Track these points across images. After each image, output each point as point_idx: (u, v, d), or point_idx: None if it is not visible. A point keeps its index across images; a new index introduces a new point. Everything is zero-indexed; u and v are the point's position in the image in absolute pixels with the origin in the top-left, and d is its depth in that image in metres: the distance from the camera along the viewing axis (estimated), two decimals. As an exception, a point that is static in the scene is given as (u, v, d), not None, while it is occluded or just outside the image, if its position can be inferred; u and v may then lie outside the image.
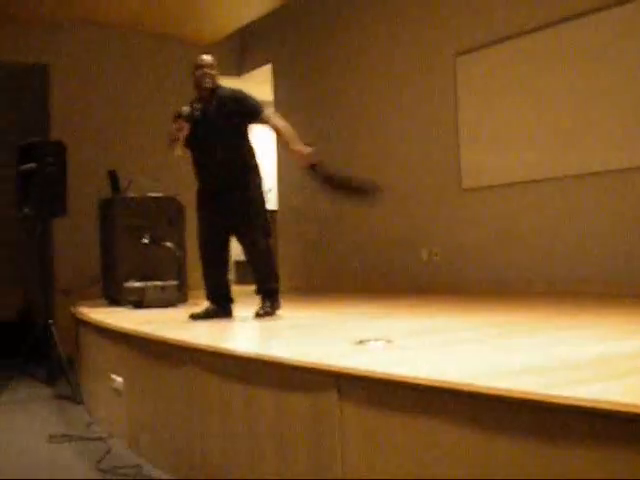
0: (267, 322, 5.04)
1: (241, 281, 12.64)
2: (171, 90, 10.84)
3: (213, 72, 5.43)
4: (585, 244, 6.45)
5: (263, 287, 5.45)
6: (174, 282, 6.86)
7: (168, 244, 7.06)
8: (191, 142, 5.33)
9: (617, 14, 6.28)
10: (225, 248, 5.56)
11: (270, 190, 11.97)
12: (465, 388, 2.20)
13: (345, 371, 2.63)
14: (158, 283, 6.75)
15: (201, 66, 5.43)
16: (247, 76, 11.65)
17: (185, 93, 10.88)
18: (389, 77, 8.71)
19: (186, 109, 5.29)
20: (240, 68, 11.70)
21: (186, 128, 5.23)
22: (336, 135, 9.38)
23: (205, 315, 5.34)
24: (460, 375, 2.36)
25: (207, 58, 5.47)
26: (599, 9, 6.38)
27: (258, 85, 11.67)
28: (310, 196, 9.86)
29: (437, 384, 2.29)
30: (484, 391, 2.14)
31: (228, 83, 12.04)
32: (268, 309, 5.30)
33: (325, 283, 9.27)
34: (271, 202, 12.07)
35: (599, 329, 3.79)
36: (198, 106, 5.34)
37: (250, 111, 5.33)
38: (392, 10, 8.68)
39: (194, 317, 5.31)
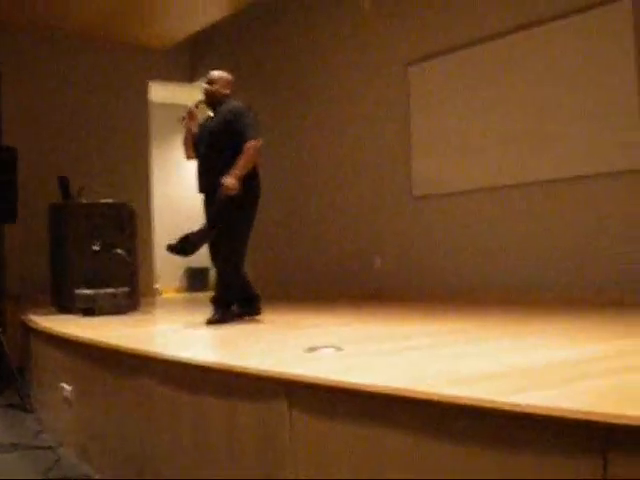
0: (218, 330, 5.03)
1: (191, 288, 12.61)
2: (124, 95, 10.81)
3: (214, 87, 5.78)
4: (536, 250, 6.54)
5: (214, 295, 5.60)
6: (125, 289, 6.81)
7: (119, 251, 7.02)
8: (196, 147, 5.75)
9: (567, 25, 6.38)
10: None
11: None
12: (414, 395, 2.22)
13: (295, 379, 2.64)
14: (109, 290, 6.70)
15: (207, 81, 5.84)
16: (199, 82, 11.61)
17: (138, 98, 10.94)
18: (341, 86, 8.75)
19: (191, 106, 5.82)
20: (192, 75, 11.69)
21: (193, 126, 5.76)
22: (287, 144, 9.41)
23: (231, 317, 5.50)
24: (409, 382, 2.38)
25: (212, 73, 5.88)
26: (551, 19, 6.48)
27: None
28: (262, 207, 9.86)
29: (386, 391, 2.30)
30: (433, 398, 2.16)
31: (179, 89, 12.05)
32: (217, 317, 5.38)
33: (277, 291, 9.26)
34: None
35: (548, 336, 3.84)
36: (208, 114, 5.77)
37: (239, 131, 5.49)
38: (344, 20, 8.73)
39: (217, 322, 5.36)
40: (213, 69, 11.33)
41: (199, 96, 6.00)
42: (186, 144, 5.86)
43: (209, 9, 9.79)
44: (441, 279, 7.20)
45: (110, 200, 7.58)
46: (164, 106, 12.28)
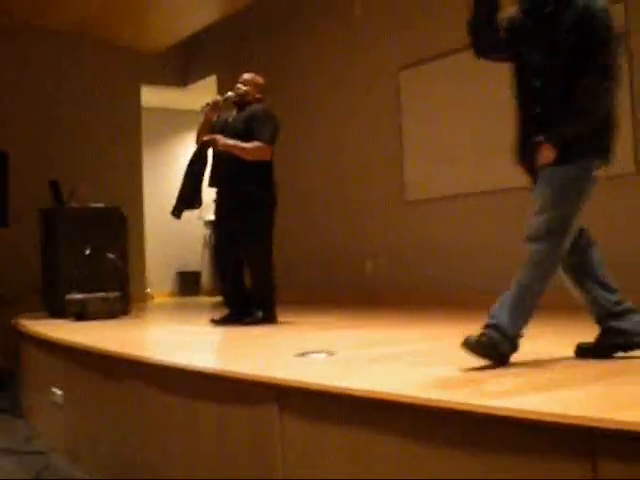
0: (209, 335, 5.03)
1: (183, 292, 12.59)
2: (116, 99, 10.79)
3: (245, 87, 5.80)
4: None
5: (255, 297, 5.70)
6: (116, 294, 6.80)
7: (110, 255, 7.00)
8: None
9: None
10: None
11: (214, 200, 11.96)
12: (402, 400, 2.23)
13: (286, 383, 2.64)
14: (100, 295, 6.69)
15: (241, 81, 5.86)
16: (192, 87, 11.64)
17: (130, 102, 10.93)
18: (333, 92, 8.77)
19: (219, 98, 5.83)
20: (185, 79, 11.68)
21: (214, 116, 5.81)
22: (279, 148, 9.39)
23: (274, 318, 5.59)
24: (399, 387, 2.38)
25: (245, 76, 5.89)
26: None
27: (202, 96, 11.66)
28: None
29: (375, 396, 2.31)
30: (420, 402, 2.17)
31: (172, 93, 12.01)
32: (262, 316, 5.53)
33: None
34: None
35: (538, 340, 3.85)
36: (232, 113, 5.81)
37: (256, 132, 5.56)
38: (337, 24, 8.75)
39: (262, 321, 5.48)
40: (205, 74, 11.35)
41: (208, 98, 6.06)
42: (201, 132, 5.86)
43: (201, 13, 9.79)
44: (433, 283, 7.20)
45: (101, 204, 7.56)
46: (156, 110, 12.27)
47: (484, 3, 3.01)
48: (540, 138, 2.94)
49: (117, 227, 7.37)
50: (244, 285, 5.78)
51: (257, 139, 5.53)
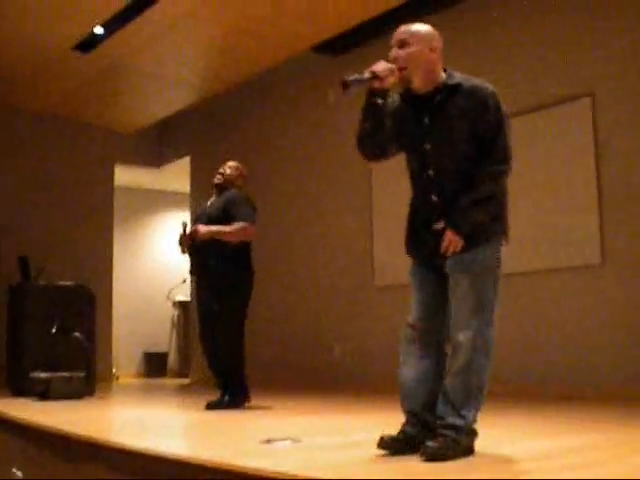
0: (175, 419, 4.97)
1: (150, 374, 12.44)
2: (90, 177, 10.82)
3: (227, 172, 5.89)
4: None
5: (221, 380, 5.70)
6: (81, 374, 6.71)
7: (77, 334, 6.93)
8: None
9: (535, 118, 6.55)
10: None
11: (184, 281, 11.95)
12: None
13: (250, 472, 2.60)
14: (65, 374, 6.59)
15: (226, 165, 5.95)
16: (166, 167, 11.71)
17: (104, 181, 10.96)
18: (304, 177, 8.86)
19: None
20: (159, 159, 11.76)
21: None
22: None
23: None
24: (362, 477, 2.36)
25: (231, 163, 5.97)
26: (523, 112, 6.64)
27: (176, 177, 11.76)
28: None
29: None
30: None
31: (146, 173, 12.10)
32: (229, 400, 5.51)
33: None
34: (184, 294, 12.02)
35: (494, 430, 3.84)
36: (211, 198, 5.92)
37: (234, 216, 5.65)
38: (311, 108, 8.88)
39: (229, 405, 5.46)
40: (179, 155, 11.44)
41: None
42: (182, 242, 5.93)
43: (176, 96, 9.90)
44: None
45: (70, 283, 7.52)
46: (130, 190, 12.32)
47: (367, 119, 3.04)
48: (441, 225, 2.95)
49: (85, 305, 7.32)
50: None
51: (238, 220, 5.62)
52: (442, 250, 2.95)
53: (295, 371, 8.57)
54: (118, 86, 9.54)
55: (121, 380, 11.27)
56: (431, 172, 3.05)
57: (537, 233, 6.45)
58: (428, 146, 3.04)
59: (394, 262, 7.54)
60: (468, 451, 2.87)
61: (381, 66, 3.00)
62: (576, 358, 6.13)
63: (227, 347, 5.60)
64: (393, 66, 3.00)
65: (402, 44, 3.06)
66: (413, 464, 2.75)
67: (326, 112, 8.65)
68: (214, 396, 5.57)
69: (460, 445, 2.83)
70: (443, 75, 3.07)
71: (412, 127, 3.10)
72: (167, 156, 11.65)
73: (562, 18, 6.58)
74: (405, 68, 3.02)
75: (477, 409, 2.91)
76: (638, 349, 5.79)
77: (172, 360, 12.49)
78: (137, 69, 8.94)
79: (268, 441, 3.33)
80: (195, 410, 5.34)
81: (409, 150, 3.15)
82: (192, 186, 11.00)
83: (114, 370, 10.98)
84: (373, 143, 3.10)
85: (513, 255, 6.42)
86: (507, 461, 2.86)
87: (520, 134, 6.64)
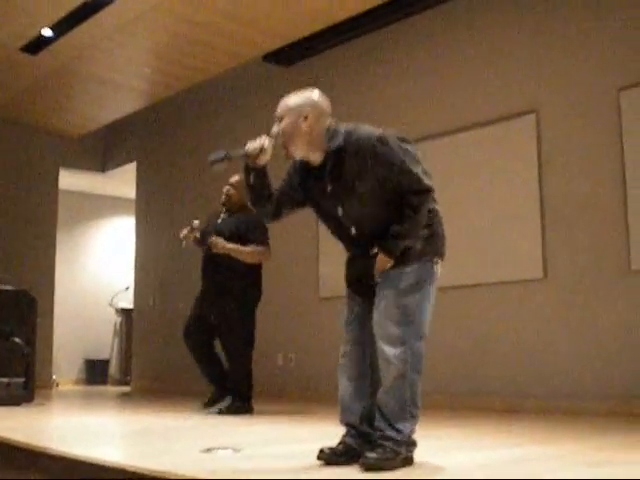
0: (116, 427, 4.92)
1: (90, 381, 12.29)
2: (33, 181, 10.70)
3: (236, 192, 6.03)
4: (438, 354, 6.61)
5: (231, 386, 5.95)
6: (20, 379, 6.61)
7: (16, 339, 6.82)
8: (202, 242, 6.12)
9: (482, 134, 6.63)
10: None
11: (127, 289, 11.85)
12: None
13: (189, 480, 2.59)
14: (3, 380, 6.49)
15: (230, 183, 6.13)
16: (111, 173, 11.61)
17: (48, 185, 10.81)
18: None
19: (195, 223, 6.22)
20: (104, 164, 11.66)
21: (195, 237, 6.18)
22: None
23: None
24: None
25: (236, 178, 6.00)
26: (469, 128, 6.72)
27: (122, 182, 11.67)
28: (164, 297, 9.83)
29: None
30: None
31: (91, 178, 11.96)
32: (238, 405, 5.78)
33: (177, 384, 9.13)
34: (127, 301, 11.92)
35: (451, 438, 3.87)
36: (222, 215, 6.15)
37: (251, 238, 5.88)
38: (258, 114, 8.89)
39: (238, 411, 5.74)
40: (125, 161, 11.35)
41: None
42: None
43: (123, 102, 9.83)
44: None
45: (10, 287, 7.39)
46: (74, 194, 12.18)
47: (252, 190, 3.15)
48: (374, 251, 3.02)
49: (26, 311, 7.20)
50: (220, 362, 6.12)
51: (256, 243, 5.86)
52: (374, 271, 3.01)
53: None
54: (65, 89, 9.44)
55: (61, 387, 11.11)
56: (353, 231, 3.09)
57: (480, 247, 6.53)
58: (340, 211, 3.07)
59: (337, 273, 7.57)
60: (407, 461, 2.90)
61: (253, 145, 3.04)
62: (517, 371, 6.21)
63: (238, 358, 5.89)
64: (266, 144, 3.04)
65: (280, 119, 3.09)
66: (352, 474, 2.77)
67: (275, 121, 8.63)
68: (155, 404, 5.54)
69: (399, 456, 2.86)
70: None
71: (319, 196, 3.13)
72: (113, 161, 11.55)
73: (508, 34, 6.68)
74: (285, 143, 3.05)
75: (413, 421, 2.94)
76: (578, 362, 5.88)
77: (113, 367, 12.35)
78: (85, 73, 8.86)
79: (208, 450, 3.32)
80: (135, 417, 5.29)
81: (322, 217, 3.22)
82: (138, 192, 10.92)
83: (54, 377, 10.82)
84: (262, 210, 3.25)
85: (455, 268, 6.52)
86: (445, 472, 2.89)
87: (465, 149, 6.76)
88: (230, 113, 9.35)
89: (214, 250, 5.77)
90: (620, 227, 5.79)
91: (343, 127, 3.05)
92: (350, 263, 3.24)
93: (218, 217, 6.17)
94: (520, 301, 6.32)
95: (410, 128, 7.03)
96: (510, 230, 6.37)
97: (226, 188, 6.10)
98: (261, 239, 5.90)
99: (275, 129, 3.08)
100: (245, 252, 5.83)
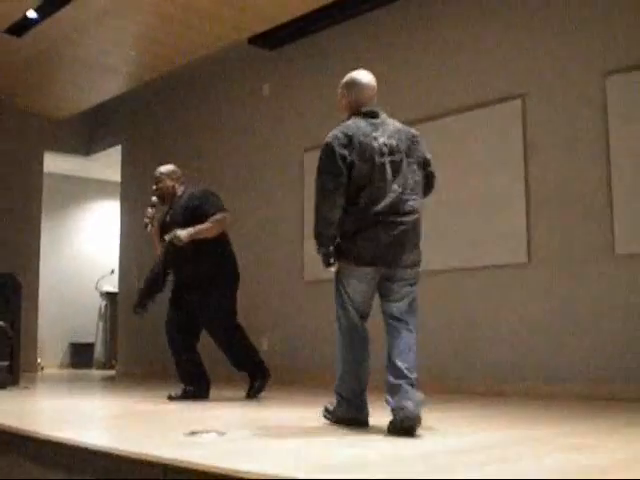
0: (101, 410, 4.92)
1: (75, 364, 12.29)
2: (18, 162, 10.64)
3: (165, 184, 5.95)
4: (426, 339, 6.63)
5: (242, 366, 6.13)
6: (5, 363, 6.61)
7: (1, 323, 6.81)
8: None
9: (470, 118, 6.64)
10: None
11: (112, 272, 11.83)
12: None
13: (172, 463, 2.60)
14: (-13, 364, 6.50)
15: (155, 181, 6.01)
16: (95, 156, 11.56)
17: (33, 168, 10.77)
18: (238, 169, 8.84)
19: (149, 211, 5.95)
20: (89, 148, 11.61)
21: (155, 226, 5.96)
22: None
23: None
24: (287, 470, 2.37)
25: (160, 171, 6.02)
26: (457, 111, 6.72)
27: (107, 166, 11.63)
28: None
29: (263, 478, 2.29)
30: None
31: (75, 161, 11.88)
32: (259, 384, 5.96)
33: (162, 368, 9.12)
34: (112, 285, 11.90)
35: (441, 424, 3.89)
36: (163, 210, 6.02)
37: (207, 211, 5.66)
38: (244, 103, 8.86)
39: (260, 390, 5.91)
40: (110, 144, 11.30)
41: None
42: (155, 243, 6.04)
43: (109, 84, 9.78)
44: (329, 362, 7.21)
45: (-5, 271, 7.39)
46: (58, 177, 12.13)
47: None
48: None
49: (10, 294, 7.19)
50: (201, 360, 6.01)
51: (210, 214, 5.64)
52: None
53: (222, 363, 8.53)
54: (50, 72, 9.39)
55: (46, 370, 11.11)
56: None
57: (465, 231, 6.54)
58: None
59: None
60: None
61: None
62: (501, 355, 6.23)
63: (232, 339, 5.92)
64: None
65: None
66: (335, 451, 2.78)
67: (260, 104, 8.63)
68: (139, 387, 5.54)
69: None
70: None
71: None
72: (98, 144, 11.50)
73: (494, 20, 6.67)
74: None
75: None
76: (562, 347, 5.91)
77: (98, 351, 12.34)
78: (70, 55, 8.81)
79: (192, 433, 3.33)
80: (120, 401, 5.29)
81: None
82: (123, 175, 10.89)
83: (39, 360, 10.81)
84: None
85: (441, 253, 6.56)
86: (426, 455, 2.90)
87: (451, 134, 6.77)
88: (215, 96, 9.33)
89: (179, 244, 5.55)
90: (604, 212, 5.81)
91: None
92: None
93: (164, 215, 5.98)
94: (504, 285, 6.35)
95: (396, 112, 7.02)
96: (495, 215, 6.38)
97: (156, 184, 5.98)
98: (217, 204, 5.72)
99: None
100: (205, 229, 5.60)
